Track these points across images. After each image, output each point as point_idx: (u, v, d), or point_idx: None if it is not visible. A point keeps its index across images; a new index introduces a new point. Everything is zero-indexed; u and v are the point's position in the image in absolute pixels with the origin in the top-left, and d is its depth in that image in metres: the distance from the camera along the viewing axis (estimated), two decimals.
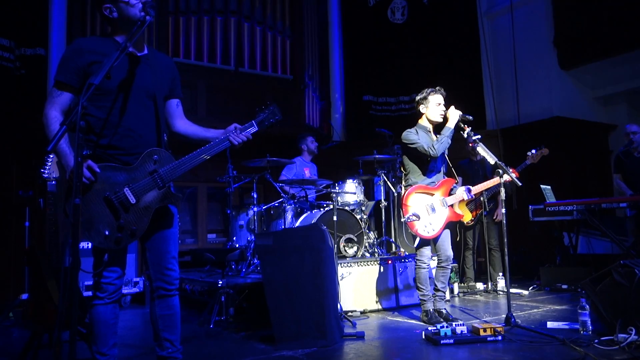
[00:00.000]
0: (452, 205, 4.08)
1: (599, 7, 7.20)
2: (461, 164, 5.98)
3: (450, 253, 4.11)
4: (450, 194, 4.09)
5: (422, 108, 4.15)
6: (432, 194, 4.06)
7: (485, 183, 4.32)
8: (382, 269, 4.87)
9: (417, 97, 4.17)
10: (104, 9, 2.29)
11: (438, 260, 4.14)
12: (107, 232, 2.21)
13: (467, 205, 5.70)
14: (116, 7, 2.27)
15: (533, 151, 5.39)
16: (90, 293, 3.61)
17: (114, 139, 2.29)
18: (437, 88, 4.11)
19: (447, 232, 4.13)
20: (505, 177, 3.93)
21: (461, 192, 4.08)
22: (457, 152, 5.23)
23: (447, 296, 5.08)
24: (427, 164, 4.09)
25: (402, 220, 4.07)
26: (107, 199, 2.22)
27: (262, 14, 7.63)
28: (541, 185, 5.89)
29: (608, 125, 8.20)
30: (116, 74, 2.23)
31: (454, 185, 4.14)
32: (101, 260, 2.32)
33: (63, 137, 1.92)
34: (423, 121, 4.17)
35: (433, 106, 4.08)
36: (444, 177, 4.19)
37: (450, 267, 4.17)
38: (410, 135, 4.06)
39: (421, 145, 3.97)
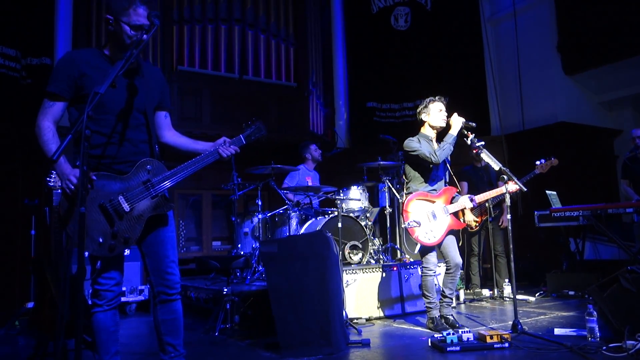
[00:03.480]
0: (454, 213, 4.07)
1: (603, 12, 7.19)
2: (465, 170, 5.97)
3: (459, 260, 4.09)
4: (451, 203, 4.09)
5: (423, 116, 4.17)
6: (434, 202, 4.06)
7: (489, 193, 4.32)
8: (387, 276, 4.85)
9: (418, 108, 4.21)
10: (106, 19, 2.33)
11: (447, 267, 4.12)
12: (100, 240, 2.24)
13: (472, 211, 5.68)
14: (115, 24, 2.31)
15: (542, 161, 5.36)
16: None
17: (107, 149, 2.33)
18: (437, 97, 4.14)
19: (452, 239, 4.12)
20: (510, 185, 3.93)
21: (464, 201, 4.09)
22: (460, 158, 5.22)
23: (454, 303, 5.05)
24: (429, 171, 4.10)
25: (403, 226, 4.07)
26: (102, 207, 2.26)
27: (266, 22, 7.67)
28: (547, 191, 5.86)
29: (613, 130, 8.17)
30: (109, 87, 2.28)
31: (456, 194, 4.14)
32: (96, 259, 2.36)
33: (67, 145, 1.96)
34: (425, 130, 4.18)
35: (435, 112, 4.10)
36: (445, 186, 4.20)
37: (459, 274, 4.17)
38: (412, 143, 4.07)
39: (423, 152, 3.98)
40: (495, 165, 3.92)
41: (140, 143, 2.44)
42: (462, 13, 8.58)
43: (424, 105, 4.16)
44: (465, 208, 4.15)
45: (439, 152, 3.96)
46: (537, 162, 5.36)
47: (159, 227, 2.46)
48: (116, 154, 2.35)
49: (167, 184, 2.39)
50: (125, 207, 2.30)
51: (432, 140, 4.15)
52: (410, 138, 4.14)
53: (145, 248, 2.47)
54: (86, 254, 2.34)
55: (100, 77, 2.20)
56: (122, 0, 2.27)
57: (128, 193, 2.31)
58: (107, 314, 2.40)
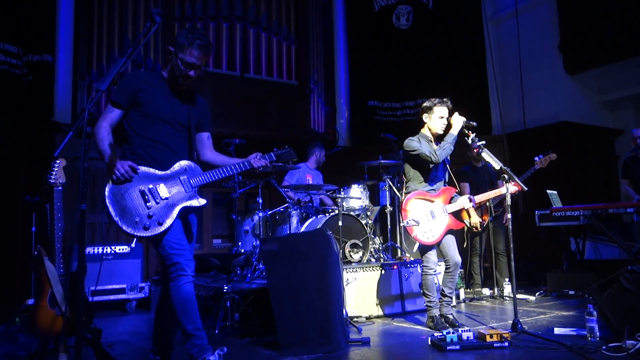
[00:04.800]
0: (453, 213, 4.07)
1: (605, 11, 7.18)
2: (464, 171, 5.94)
3: (459, 259, 4.08)
4: (450, 202, 4.09)
5: (425, 117, 4.14)
6: (432, 201, 4.06)
7: (488, 193, 4.33)
8: (387, 275, 4.85)
9: (424, 105, 4.15)
10: (168, 49, 2.73)
11: (446, 266, 4.12)
12: (137, 219, 2.53)
13: (475, 211, 5.67)
14: (173, 55, 2.69)
15: (540, 156, 5.36)
16: (97, 298, 3.71)
17: (150, 152, 2.67)
18: (445, 100, 4.07)
19: (452, 238, 4.11)
20: (511, 186, 3.93)
21: (463, 201, 4.09)
22: (457, 158, 5.20)
23: (454, 302, 5.05)
24: (428, 172, 4.09)
25: (401, 224, 4.07)
26: (142, 192, 2.57)
27: (267, 20, 7.66)
28: (547, 191, 5.86)
29: (614, 130, 8.16)
30: (159, 102, 2.70)
31: (455, 194, 4.15)
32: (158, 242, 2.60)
33: (68, 142, 2.00)
34: (425, 130, 4.17)
35: (436, 118, 4.07)
36: (445, 186, 4.20)
37: (458, 273, 4.17)
38: (412, 143, 4.06)
39: (423, 152, 3.96)
40: (496, 164, 3.92)
41: (180, 152, 2.77)
42: (463, 12, 8.57)
43: (428, 106, 4.10)
44: (464, 208, 4.16)
45: (439, 151, 3.95)
46: (536, 158, 5.36)
47: (189, 225, 2.80)
48: (157, 157, 2.67)
49: (202, 181, 2.71)
50: (162, 193, 2.61)
51: (432, 141, 4.14)
52: (411, 138, 4.12)
53: None
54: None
55: (154, 91, 2.69)
56: (185, 39, 2.64)
57: (166, 183, 2.64)
58: (191, 285, 2.60)
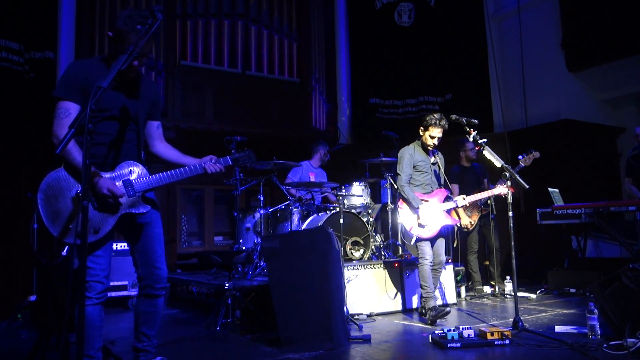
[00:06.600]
0: (447, 211, 4.33)
1: (607, 9, 7.15)
2: (454, 172, 5.88)
3: (443, 258, 4.44)
4: (444, 202, 4.35)
5: (420, 131, 4.35)
6: (427, 200, 4.32)
7: (481, 193, 4.51)
8: (388, 272, 4.86)
9: (424, 119, 4.30)
10: (108, 36, 2.42)
11: (432, 262, 4.35)
12: (71, 226, 2.29)
13: (472, 210, 5.66)
14: (115, 43, 2.39)
15: (523, 155, 5.33)
16: None
17: (98, 149, 2.42)
18: (442, 121, 4.21)
19: (442, 240, 4.42)
20: (500, 188, 4.16)
21: (457, 200, 4.38)
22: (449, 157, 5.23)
23: (454, 299, 5.07)
24: (422, 176, 4.38)
25: (398, 221, 4.20)
26: (78, 196, 2.29)
27: (269, 17, 7.65)
28: (549, 189, 5.85)
29: (616, 128, 8.14)
30: (105, 94, 2.20)
31: (448, 194, 4.39)
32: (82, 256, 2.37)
33: (71, 139, 1.98)
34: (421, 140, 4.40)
35: (427, 137, 4.29)
36: (438, 187, 4.45)
37: (441, 272, 4.50)
38: (401, 159, 4.34)
39: (399, 173, 4.31)
40: (497, 162, 3.91)
41: (128, 149, 2.53)
42: (465, 9, 8.53)
43: (425, 123, 4.27)
44: (458, 207, 4.45)
45: (401, 189, 4.27)
46: (519, 157, 5.34)
47: (147, 223, 2.58)
48: (105, 154, 2.44)
49: (146, 186, 2.48)
50: None
51: (426, 151, 4.39)
52: (405, 148, 4.38)
53: (134, 243, 2.58)
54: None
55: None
56: (123, 24, 2.34)
57: None
58: (95, 307, 2.39)
